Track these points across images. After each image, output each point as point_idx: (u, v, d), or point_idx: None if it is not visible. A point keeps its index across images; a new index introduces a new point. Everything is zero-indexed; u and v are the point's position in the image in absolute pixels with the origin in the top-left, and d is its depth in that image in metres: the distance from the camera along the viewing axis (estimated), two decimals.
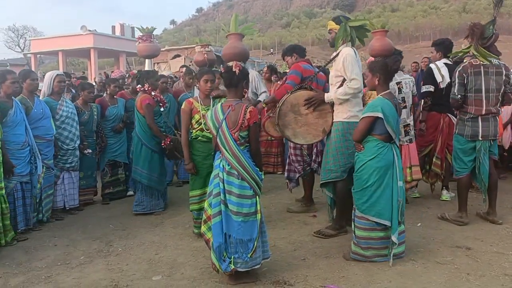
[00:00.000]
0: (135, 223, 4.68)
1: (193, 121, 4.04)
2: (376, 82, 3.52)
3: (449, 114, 5.09)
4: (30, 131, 4.34)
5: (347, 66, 3.84)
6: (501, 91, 4.24)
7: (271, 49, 48.41)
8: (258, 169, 3.15)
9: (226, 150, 3.08)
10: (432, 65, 5.18)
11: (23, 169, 4.25)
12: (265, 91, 5.45)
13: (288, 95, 4.17)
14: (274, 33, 63.39)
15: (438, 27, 49.04)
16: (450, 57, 5.11)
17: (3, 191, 3.97)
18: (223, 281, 3.18)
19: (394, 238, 3.41)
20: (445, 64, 5.09)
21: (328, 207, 4.31)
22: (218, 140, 3.13)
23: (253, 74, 5.53)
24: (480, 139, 4.21)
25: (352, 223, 3.56)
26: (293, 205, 5.02)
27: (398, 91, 4.86)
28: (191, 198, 4.16)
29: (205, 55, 5.26)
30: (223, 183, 3.07)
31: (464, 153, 4.31)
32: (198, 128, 4.03)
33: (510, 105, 5.01)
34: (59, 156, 4.87)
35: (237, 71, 3.22)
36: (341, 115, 3.97)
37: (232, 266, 3.02)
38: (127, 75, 7.44)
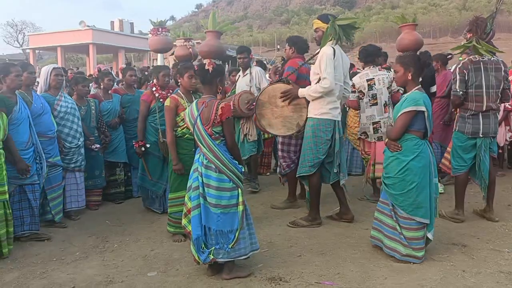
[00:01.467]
0: (132, 219, 4.67)
1: (178, 119, 3.93)
2: (409, 77, 3.40)
3: None
4: (34, 129, 4.05)
5: (321, 65, 3.93)
6: (501, 87, 4.24)
7: (278, 46, 48.75)
8: (237, 162, 3.20)
9: (203, 145, 3.16)
10: None
11: None
12: None
13: (267, 86, 4.37)
14: (274, 29, 63.24)
15: (438, 24, 48.90)
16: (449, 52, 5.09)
17: (7, 196, 3.66)
18: (218, 278, 3.17)
19: (430, 235, 3.42)
20: None
21: (306, 200, 4.41)
22: (194, 135, 3.22)
23: (256, 70, 5.66)
24: (481, 136, 4.21)
25: (396, 225, 3.43)
26: (277, 201, 5.05)
27: (369, 88, 4.86)
28: (177, 199, 3.90)
29: (190, 49, 5.18)
30: (202, 177, 3.13)
31: (464, 151, 4.30)
32: (185, 126, 3.86)
33: (508, 102, 5.03)
34: (63, 156, 4.54)
35: (210, 69, 3.30)
36: (313, 111, 4.09)
37: (212, 257, 3.07)
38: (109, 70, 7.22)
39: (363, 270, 3.27)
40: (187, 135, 3.93)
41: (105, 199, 5.35)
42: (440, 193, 5.22)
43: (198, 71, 3.36)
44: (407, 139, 3.36)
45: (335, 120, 4.08)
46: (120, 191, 5.44)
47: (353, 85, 4.91)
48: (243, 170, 3.26)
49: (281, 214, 4.68)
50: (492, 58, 4.22)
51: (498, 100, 4.30)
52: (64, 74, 6.99)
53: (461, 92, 4.22)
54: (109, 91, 5.50)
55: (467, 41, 4.29)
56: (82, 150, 4.77)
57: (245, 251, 3.16)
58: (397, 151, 3.39)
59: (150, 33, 5.67)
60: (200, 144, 3.18)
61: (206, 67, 3.34)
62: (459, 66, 4.30)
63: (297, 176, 4.33)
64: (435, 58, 6.38)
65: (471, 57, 4.25)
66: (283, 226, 4.29)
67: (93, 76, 9.13)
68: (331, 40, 4.02)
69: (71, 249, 3.84)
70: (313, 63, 4.23)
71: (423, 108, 3.30)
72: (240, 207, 3.12)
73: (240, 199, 3.14)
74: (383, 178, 3.57)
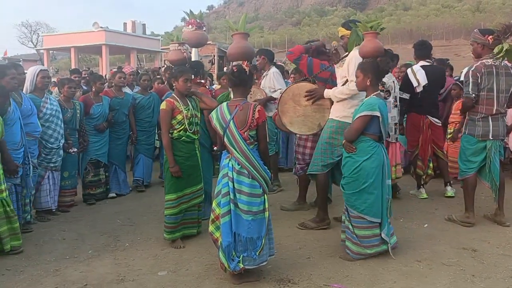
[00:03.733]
0: (142, 219, 4.73)
1: (174, 122, 3.87)
2: (368, 83, 3.54)
3: (429, 116, 5.21)
4: (24, 130, 4.12)
5: (350, 67, 3.94)
6: (510, 92, 4.26)
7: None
8: (267, 167, 3.19)
9: (236, 150, 3.10)
10: (408, 70, 5.29)
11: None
12: (280, 89, 5.41)
13: (292, 84, 4.38)
14: (285, 30, 63.13)
15: (451, 26, 48.33)
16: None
17: (4, 194, 3.72)
18: (228, 278, 3.19)
19: (383, 235, 3.50)
20: (422, 66, 5.18)
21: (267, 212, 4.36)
22: (225, 140, 3.14)
23: (271, 71, 5.59)
24: (491, 138, 4.22)
25: (349, 224, 3.55)
26: (287, 203, 5.08)
27: (394, 89, 4.98)
28: (173, 201, 3.89)
29: (184, 53, 5.17)
30: (233, 182, 3.08)
31: (474, 153, 4.31)
32: (181, 129, 3.88)
33: None
34: (43, 155, 4.61)
35: (247, 71, 3.30)
36: (335, 113, 4.10)
37: (241, 265, 3.03)
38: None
39: (372, 273, 3.28)
40: (183, 138, 3.89)
41: (92, 197, 5.44)
42: (451, 196, 5.26)
43: (237, 73, 3.25)
44: (362, 141, 3.50)
45: None
46: (103, 191, 5.58)
47: (383, 84, 5.00)
48: (270, 175, 3.26)
49: (290, 216, 4.70)
50: (503, 63, 4.22)
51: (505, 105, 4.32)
52: (79, 75, 7.11)
53: (473, 95, 4.22)
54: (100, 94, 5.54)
55: (490, 43, 4.20)
56: (61, 151, 4.80)
57: (266, 257, 3.15)
58: (352, 152, 3.50)
59: (188, 25, 5.56)
60: (232, 149, 3.11)
61: (245, 69, 3.34)
62: (472, 69, 4.29)
63: (307, 173, 4.34)
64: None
65: (483, 60, 4.25)
66: (292, 228, 4.31)
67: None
68: (355, 45, 4.02)
69: (83, 248, 3.91)
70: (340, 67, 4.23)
71: (377, 114, 3.41)
72: (267, 213, 3.10)
73: (266, 205, 3.12)
74: (342, 179, 3.67)
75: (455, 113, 5.82)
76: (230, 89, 5.91)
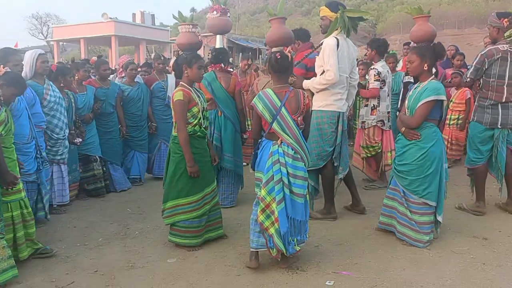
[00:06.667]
0: (152, 208, 4.76)
1: (189, 115, 3.46)
2: (426, 67, 3.50)
3: None
4: (32, 121, 3.76)
5: (325, 56, 3.89)
6: None
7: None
8: None
9: (288, 135, 3.06)
10: None
11: (30, 166, 3.67)
12: None
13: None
14: (295, 20, 62.62)
15: (463, 14, 47.48)
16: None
17: (22, 194, 3.32)
18: (234, 266, 3.23)
19: (440, 218, 3.53)
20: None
21: (308, 194, 4.35)
22: (275, 126, 3.05)
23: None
24: (499, 127, 4.13)
25: (407, 211, 3.53)
26: None
27: (388, 78, 5.06)
28: (188, 205, 3.52)
29: (199, 36, 4.89)
30: (286, 168, 3.04)
31: (482, 142, 4.23)
32: (195, 123, 3.49)
33: None
34: (49, 147, 4.28)
35: (290, 57, 3.32)
36: (316, 103, 4.04)
37: (298, 248, 3.09)
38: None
39: (381, 261, 3.27)
40: (198, 133, 3.52)
41: (87, 195, 5.18)
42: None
43: (281, 60, 3.13)
44: (426, 127, 3.46)
45: (339, 112, 4.01)
46: (101, 186, 5.23)
47: (379, 74, 4.95)
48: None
49: None
50: None
51: None
52: (89, 65, 7.09)
53: (468, 79, 4.21)
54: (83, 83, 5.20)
55: (505, 26, 4.10)
56: (66, 142, 4.53)
57: (306, 237, 3.25)
58: (416, 139, 3.45)
59: (213, 11, 5.27)
60: (284, 134, 3.04)
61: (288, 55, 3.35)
62: (482, 52, 4.17)
63: None
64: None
65: (498, 46, 4.12)
66: None
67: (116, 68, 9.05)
68: (337, 30, 3.94)
69: (93, 235, 3.94)
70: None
71: (443, 97, 3.42)
72: (308, 196, 3.21)
73: (307, 188, 3.21)
74: (395, 165, 3.64)
75: (460, 102, 6.18)
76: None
